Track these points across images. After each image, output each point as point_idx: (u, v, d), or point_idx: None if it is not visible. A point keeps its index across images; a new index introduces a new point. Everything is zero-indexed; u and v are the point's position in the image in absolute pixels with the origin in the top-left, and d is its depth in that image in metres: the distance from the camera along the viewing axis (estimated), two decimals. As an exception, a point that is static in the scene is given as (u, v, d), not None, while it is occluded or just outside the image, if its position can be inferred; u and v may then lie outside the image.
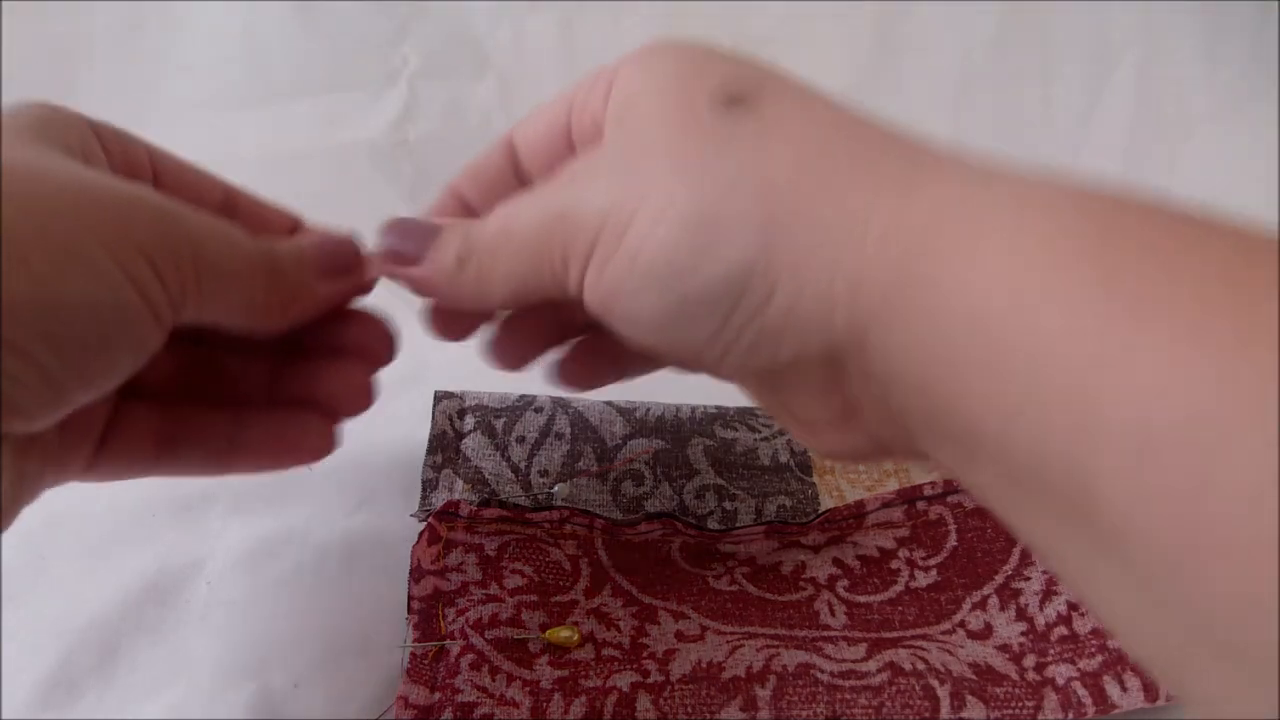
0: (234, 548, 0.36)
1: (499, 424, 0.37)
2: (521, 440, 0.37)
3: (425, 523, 0.34)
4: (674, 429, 0.38)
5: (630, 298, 0.25)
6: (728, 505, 0.35)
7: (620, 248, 0.24)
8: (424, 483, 0.36)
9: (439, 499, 0.35)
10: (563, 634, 0.31)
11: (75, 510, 0.36)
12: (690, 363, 0.27)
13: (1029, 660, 0.31)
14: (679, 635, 0.32)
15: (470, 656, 0.30)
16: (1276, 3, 0.50)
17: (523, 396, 0.38)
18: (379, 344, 0.32)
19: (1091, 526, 0.18)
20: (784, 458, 0.37)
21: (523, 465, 0.36)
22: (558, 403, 0.37)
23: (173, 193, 0.27)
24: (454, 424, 0.37)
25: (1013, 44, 0.50)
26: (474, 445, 0.37)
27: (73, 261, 0.22)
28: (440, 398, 0.38)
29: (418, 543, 0.33)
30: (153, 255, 0.23)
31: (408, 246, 0.29)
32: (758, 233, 0.22)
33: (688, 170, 0.23)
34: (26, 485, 0.25)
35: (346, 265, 0.30)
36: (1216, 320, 0.17)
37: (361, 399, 0.31)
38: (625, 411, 0.38)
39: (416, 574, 0.32)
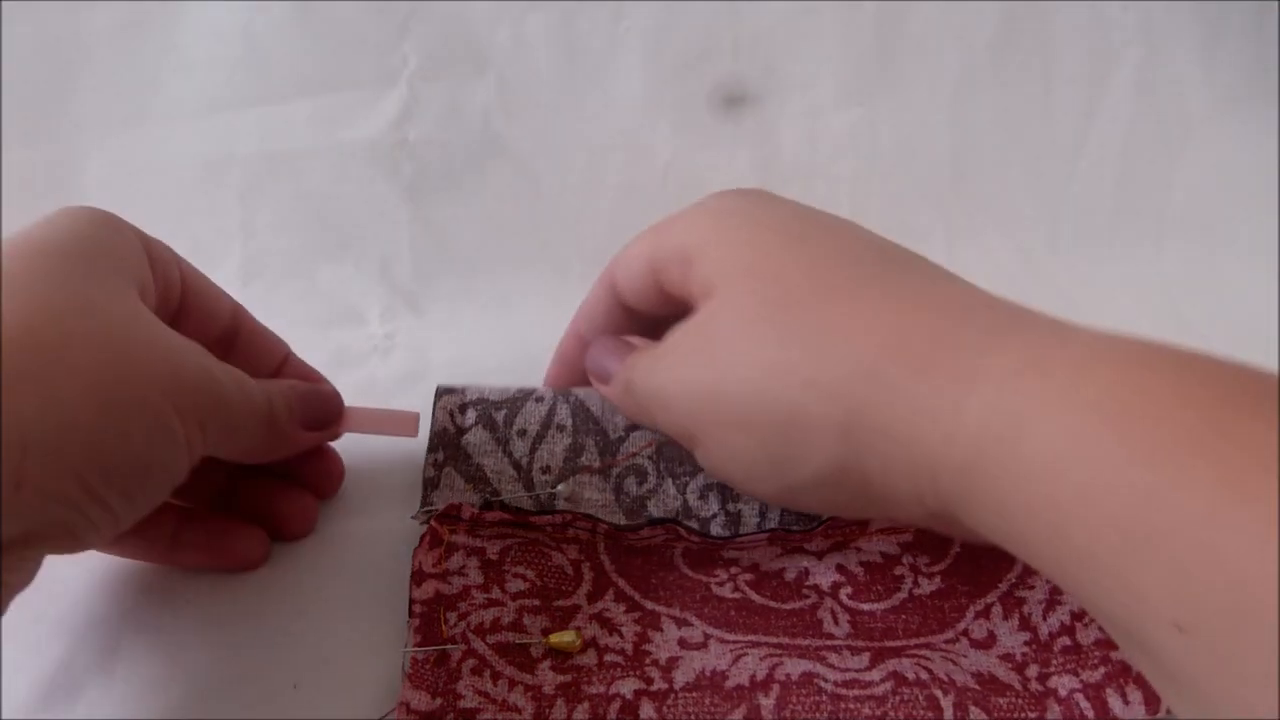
0: (234, 548, 0.36)
1: (499, 416, 0.37)
2: (523, 434, 0.36)
3: (427, 525, 0.33)
4: None
5: (740, 481, 0.29)
6: (731, 507, 0.35)
7: (719, 444, 0.28)
8: (425, 481, 0.35)
9: (440, 499, 0.34)
10: (565, 638, 0.31)
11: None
12: (815, 512, 0.32)
13: (1032, 670, 0.31)
14: (682, 643, 0.32)
15: (472, 661, 0.30)
16: (1276, 3, 0.50)
17: (523, 389, 0.37)
18: (329, 478, 0.36)
19: (1150, 658, 0.19)
20: None
21: (524, 461, 0.36)
22: (559, 392, 0.37)
23: (194, 305, 0.32)
24: (455, 420, 0.37)
25: (1013, 44, 0.50)
26: (475, 441, 0.36)
27: (161, 434, 0.26)
28: (441, 393, 0.37)
29: (419, 546, 0.33)
30: (205, 423, 0.28)
31: (598, 367, 0.33)
32: (837, 438, 0.24)
33: (764, 379, 0.26)
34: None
35: (327, 420, 0.34)
36: None
37: (304, 524, 0.35)
38: None
39: (418, 577, 0.32)
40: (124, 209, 0.30)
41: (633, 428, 0.37)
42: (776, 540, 0.35)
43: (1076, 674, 0.30)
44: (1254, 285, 0.48)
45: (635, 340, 0.33)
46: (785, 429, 0.25)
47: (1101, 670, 0.30)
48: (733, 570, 0.34)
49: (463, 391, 0.37)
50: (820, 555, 0.34)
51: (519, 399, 0.37)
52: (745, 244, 0.28)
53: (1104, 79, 0.50)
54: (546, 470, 0.36)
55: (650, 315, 0.34)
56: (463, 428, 0.36)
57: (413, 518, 0.34)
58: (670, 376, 0.29)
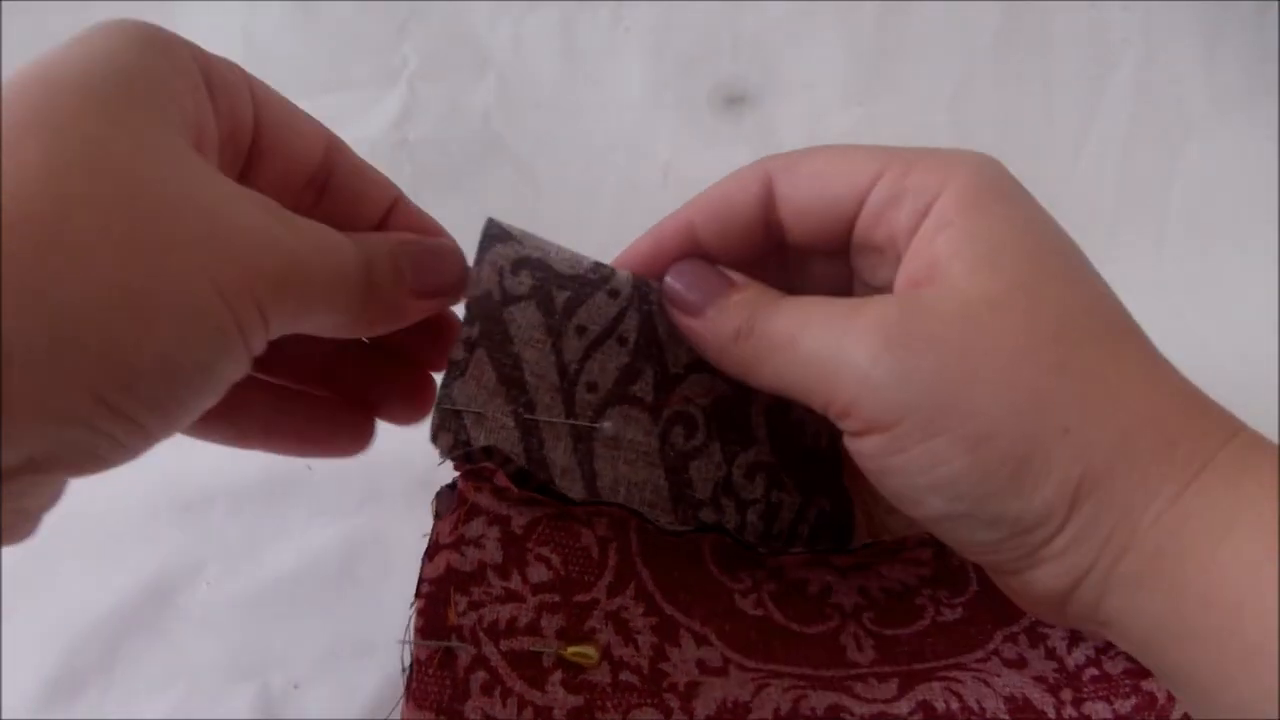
0: (234, 548, 0.36)
1: (561, 299, 0.29)
2: (582, 331, 0.29)
3: (454, 488, 0.28)
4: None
5: (914, 490, 0.25)
6: (774, 496, 0.33)
7: (920, 448, 0.24)
8: (451, 363, 0.28)
9: (462, 394, 0.28)
10: (582, 650, 0.28)
11: (76, 511, 0.35)
12: (946, 538, 0.27)
13: (1066, 694, 0.30)
14: (701, 665, 0.30)
15: (481, 675, 0.27)
16: (1276, 3, 0.50)
17: (599, 266, 0.29)
18: (443, 353, 0.29)
19: None
20: (824, 441, 0.34)
21: (572, 368, 0.29)
22: (637, 287, 0.29)
23: (272, 144, 0.26)
24: (504, 282, 0.28)
25: (1013, 44, 0.50)
26: (522, 321, 0.28)
27: (196, 325, 0.20)
28: (492, 239, 0.28)
29: (443, 519, 0.27)
30: (269, 302, 0.21)
31: (693, 296, 0.28)
32: (1068, 493, 0.23)
33: (1020, 406, 0.23)
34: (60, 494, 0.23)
35: (447, 284, 0.28)
36: None
37: (418, 405, 0.30)
38: None
39: (431, 551, 0.27)
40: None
41: (695, 368, 0.31)
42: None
43: (1109, 701, 0.30)
44: (1254, 285, 0.48)
45: (734, 274, 0.28)
46: (1020, 465, 0.23)
47: (1133, 700, 0.30)
48: (758, 576, 0.32)
49: (519, 242, 0.28)
50: (844, 573, 0.33)
51: (590, 284, 0.29)
52: (1022, 247, 0.25)
53: (1104, 79, 0.50)
54: (593, 388, 0.30)
55: (789, 243, 0.29)
56: (512, 295, 0.28)
57: (436, 411, 0.28)
58: (884, 367, 0.24)
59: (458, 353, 0.27)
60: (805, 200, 0.28)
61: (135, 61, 0.21)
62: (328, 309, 0.24)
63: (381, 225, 0.29)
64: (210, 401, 0.22)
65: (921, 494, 0.25)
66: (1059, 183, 0.50)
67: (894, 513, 0.36)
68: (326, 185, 0.27)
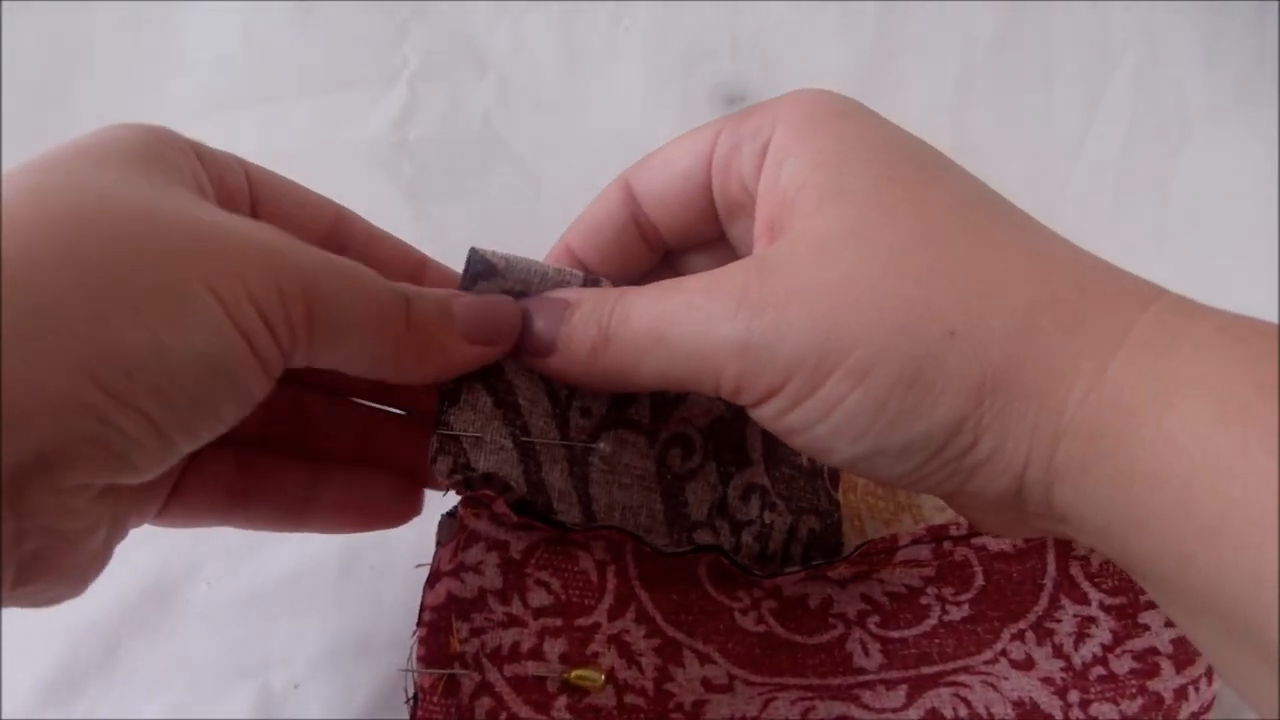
0: (233, 548, 0.36)
1: None
2: None
3: (454, 516, 0.28)
4: None
5: (817, 440, 0.24)
6: (767, 518, 0.33)
7: (813, 398, 0.23)
8: (443, 393, 0.28)
9: (460, 420, 0.28)
10: (587, 674, 0.28)
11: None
12: (878, 480, 0.26)
13: (1073, 696, 0.30)
14: (706, 684, 0.29)
15: (486, 701, 0.27)
16: (1276, 3, 0.50)
17: (587, 281, 0.29)
18: None
19: (1251, 643, 0.19)
20: (805, 459, 0.34)
21: (563, 394, 0.29)
22: None
23: (271, 210, 0.26)
24: None
25: (1013, 44, 0.50)
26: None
27: (185, 312, 0.20)
28: (476, 276, 0.28)
29: (444, 546, 0.27)
30: (263, 304, 0.21)
31: (536, 330, 0.27)
32: (969, 396, 0.22)
33: (897, 324, 0.22)
34: (119, 530, 0.24)
35: (502, 336, 0.27)
36: None
37: None
38: None
39: (433, 579, 0.27)
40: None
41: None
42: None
43: (1116, 703, 0.30)
44: (1254, 285, 0.48)
45: (565, 293, 0.28)
46: (910, 384, 0.22)
47: (1139, 701, 0.30)
48: (755, 594, 0.32)
49: (502, 275, 0.28)
50: (844, 584, 0.33)
51: None
52: (869, 161, 0.24)
53: (1104, 79, 0.50)
54: (586, 414, 0.30)
55: (668, 237, 0.29)
56: None
57: (435, 436, 0.28)
58: (757, 328, 0.23)
59: (449, 384, 0.28)
60: (661, 187, 0.28)
61: (130, 135, 0.23)
62: (356, 334, 0.24)
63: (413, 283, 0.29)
64: (228, 408, 0.22)
65: (828, 442, 0.24)
66: (1059, 183, 0.50)
67: (890, 525, 0.36)
68: (342, 252, 0.27)
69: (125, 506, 0.24)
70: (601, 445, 0.30)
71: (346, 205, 0.47)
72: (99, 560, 0.23)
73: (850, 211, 0.23)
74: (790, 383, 0.23)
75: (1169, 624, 0.31)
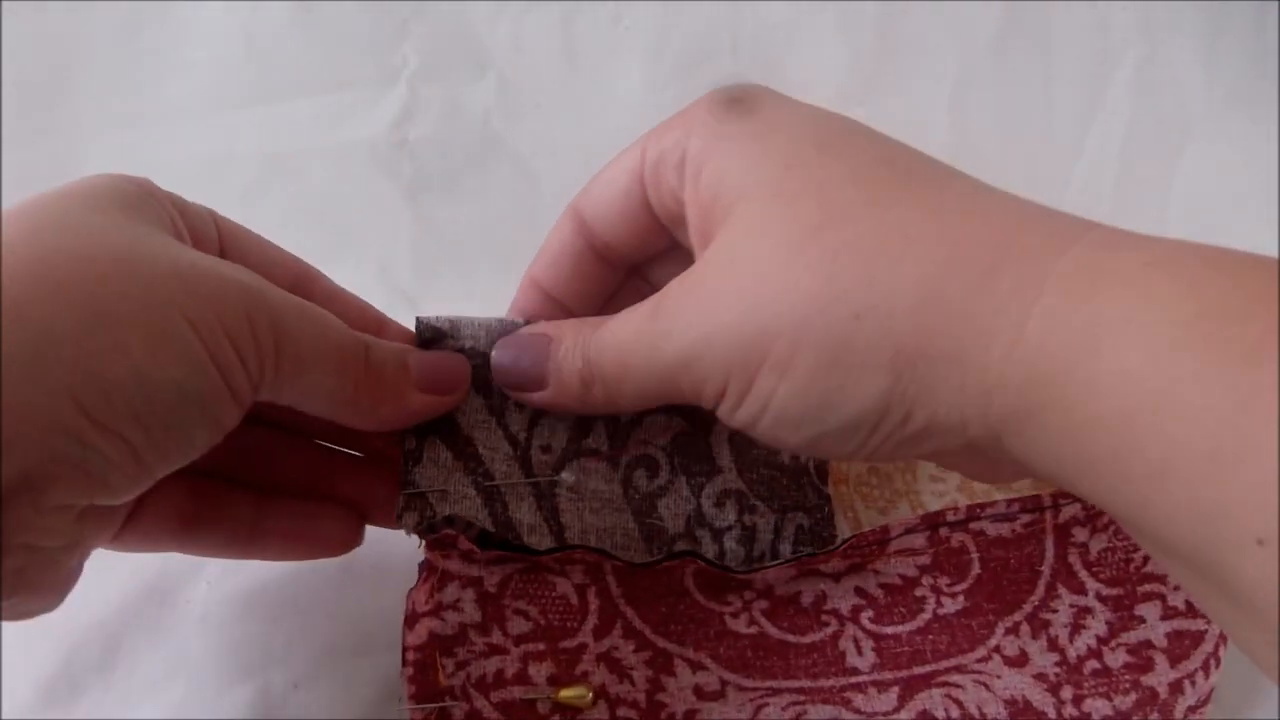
0: (234, 548, 0.36)
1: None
2: (520, 405, 0.31)
3: (421, 556, 0.29)
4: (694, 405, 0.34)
5: (768, 432, 0.25)
6: (747, 520, 0.33)
7: (751, 394, 0.24)
8: (405, 453, 0.30)
9: (424, 477, 0.30)
10: (575, 693, 0.29)
11: (75, 510, 0.36)
12: (836, 459, 0.28)
13: (1066, 692, 0.30)
14: (698, 691, 0.30)
15: None
16: (1276, 3, 0.50)
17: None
18: None
19: (1218, 587, 0.19)
20: (803, 457, 0.34)
21: (521, 437, 0.31)
22: None
23: (236, 260, 0.27)
24: None
25: (1012, 43, 0.50)
26: (465, 407, 0.31)
27: (164, 343, 0.22)
28: (426, 343, 0.30)
29: (416, 587, 0.29)
30: (236, 337, 0.23)
31: (524, 368, 0.29)
32: (887, 372, 0.22)
33: (805, 314, 0.23)
34: (80, 553, 0.25)
35: (453, 386, 0.29)
36: None
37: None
38: None
39: (410, 620, 0.28)
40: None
41: (649, 410, 0.32)
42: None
43: (1109, 698, 0.30)
44: (1254, 285, 0.48)
45: (544, 326, 0.29)
46: (829, 369, 0.23)
47: (1133, 695, 0.30)
48: (747, 596, 0.32)
49: (451, 337, 0.30)
50: (837, 577, 0.33)
51: None
52: (768, 152, 0.25)
53: (1104, 79, 0.50)
54: (547, 450, 0.31)
55: (626, 255, 0.30)
56: None
57: (402, 496, 0.30)
58: (688, 342, 0.25)
59: (409, 442, 0.30)
60: (605, 209, 0.29)
61: (117, 184, 0.25)
62: (319, 370, 0.26)
63: None
64: (191, 432, 0.24)
65: (775, 433, 0.25)
66: (1059, 183, 0.50)
67: (886, 513, 0.36)
68: None
69: (87, 528, 0.25)
70: (565, 476, 0.31)
71: (346, 205, 0.47)
72: (74, 576, 0.25)
73: (755, 210, 0.24)
74: (730, 384, 0.25)
75: (1165, 617, 0.31)
